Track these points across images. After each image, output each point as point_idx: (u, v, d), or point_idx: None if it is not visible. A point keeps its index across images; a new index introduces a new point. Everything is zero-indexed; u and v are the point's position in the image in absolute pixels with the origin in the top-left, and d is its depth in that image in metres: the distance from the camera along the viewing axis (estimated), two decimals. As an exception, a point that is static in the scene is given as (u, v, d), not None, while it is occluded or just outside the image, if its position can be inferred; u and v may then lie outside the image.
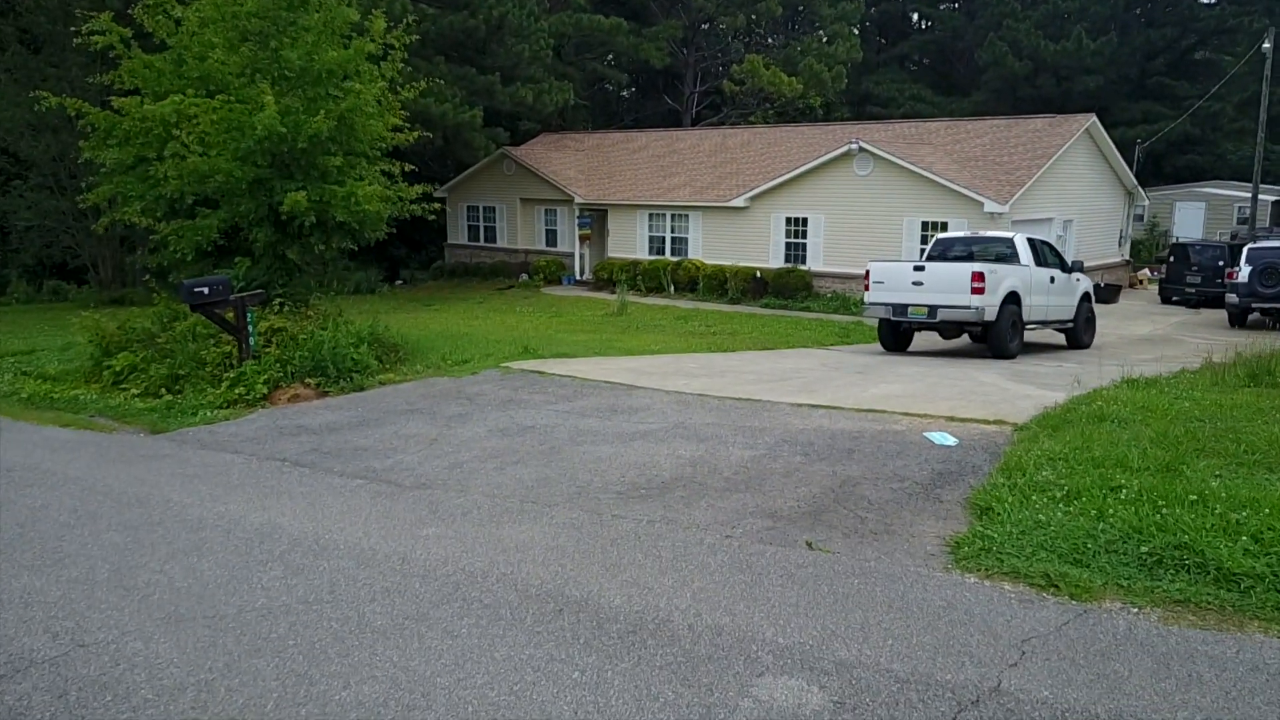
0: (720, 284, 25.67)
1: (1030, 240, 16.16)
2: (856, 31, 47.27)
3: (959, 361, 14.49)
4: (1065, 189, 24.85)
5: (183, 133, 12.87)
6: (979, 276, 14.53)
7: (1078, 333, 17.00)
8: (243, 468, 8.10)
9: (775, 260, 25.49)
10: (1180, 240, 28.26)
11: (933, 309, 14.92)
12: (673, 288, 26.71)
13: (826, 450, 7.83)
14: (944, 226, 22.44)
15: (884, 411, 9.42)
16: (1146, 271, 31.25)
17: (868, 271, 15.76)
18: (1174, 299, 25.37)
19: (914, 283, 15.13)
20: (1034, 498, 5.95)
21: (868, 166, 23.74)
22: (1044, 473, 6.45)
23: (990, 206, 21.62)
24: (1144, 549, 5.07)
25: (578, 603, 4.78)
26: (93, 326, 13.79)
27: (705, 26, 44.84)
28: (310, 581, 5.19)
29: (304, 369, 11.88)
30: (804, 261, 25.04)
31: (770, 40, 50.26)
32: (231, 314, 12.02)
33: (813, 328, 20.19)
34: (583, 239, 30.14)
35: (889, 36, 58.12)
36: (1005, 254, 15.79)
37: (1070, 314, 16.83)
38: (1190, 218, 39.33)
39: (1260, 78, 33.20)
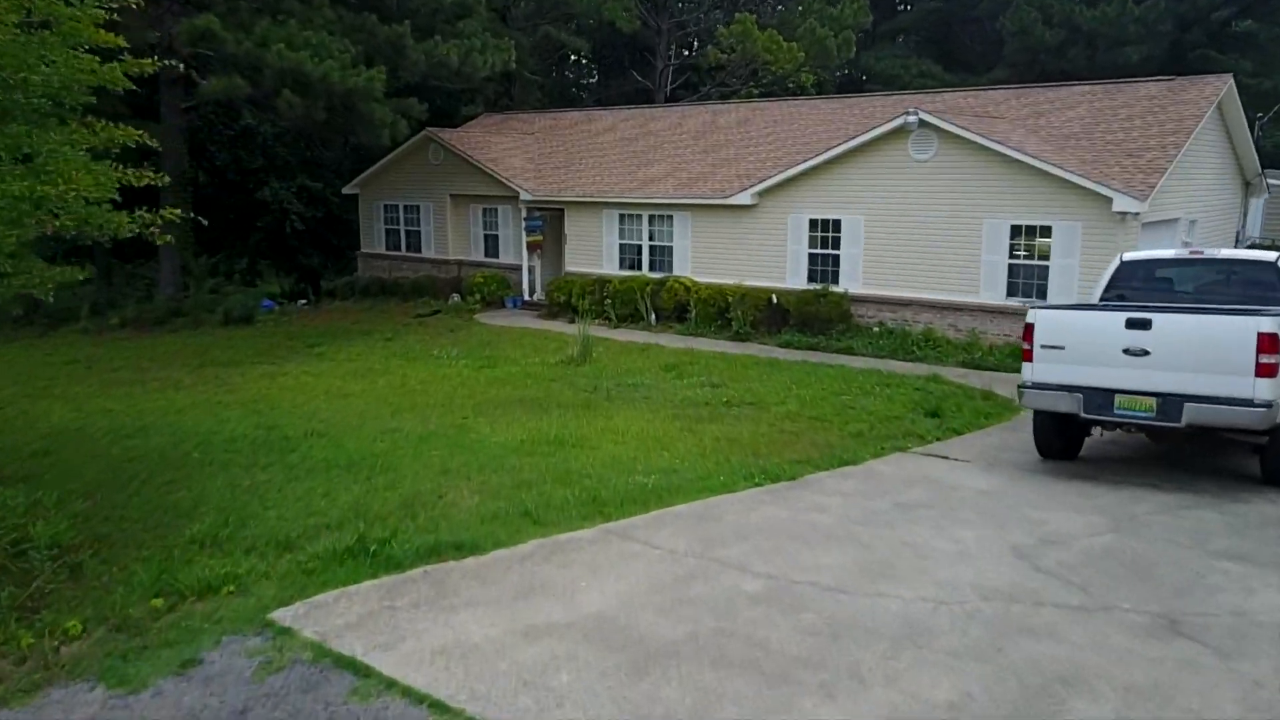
0: (721, 312, 18.50)
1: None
2: (858, -4, 40.22)
3: (1223, 501, 7.47)
4: (1191, 179, 18.03)
5: None
6: (1272, 342, 7.56)
7: None
8: None
9: (796, 279, 18.35)
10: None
11: (1170, 400, 7.92)
12: (654, 317, 19.50)
13: None
14: (1045, 232, 15.57)
15: None
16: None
17: (1030, 326, 8.74)
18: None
19: (1127, 350, 8.13)
20: None
21: (929, 148, 16.69)
22: None
23: (1121, 203, 14.67)
24: None
25: None
26: None
27: (680, -11, 37.64)
28: None
29: None
30: (837, 280, 17.92)
31: (755, 11, 43.09)
32: None
33: (872, 389, 13.20)
34: (532, 247, 22.79)
35: (886, 7, 51.22)
36: (1272, 292, 8.83)
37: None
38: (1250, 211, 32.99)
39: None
